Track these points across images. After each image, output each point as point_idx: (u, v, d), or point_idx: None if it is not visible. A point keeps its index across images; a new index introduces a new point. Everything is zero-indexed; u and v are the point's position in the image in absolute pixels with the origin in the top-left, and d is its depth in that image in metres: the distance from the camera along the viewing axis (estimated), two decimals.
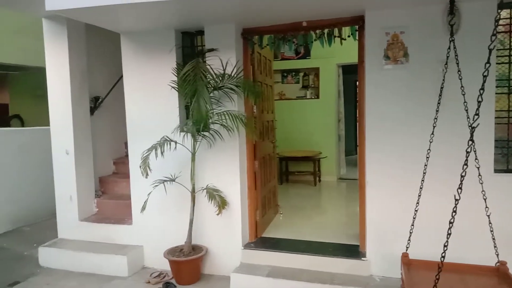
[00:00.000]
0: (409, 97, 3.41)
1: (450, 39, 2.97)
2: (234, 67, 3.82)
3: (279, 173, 7.25)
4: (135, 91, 4.22)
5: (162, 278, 3.95)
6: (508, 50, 3.39)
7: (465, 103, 2.88)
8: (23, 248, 4.97)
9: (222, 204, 3.79)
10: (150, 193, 3.85)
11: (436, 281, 2.13)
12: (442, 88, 3.05)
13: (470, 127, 2.16)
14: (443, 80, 3.05)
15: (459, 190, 2.14)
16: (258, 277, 3.60)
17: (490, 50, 2.09)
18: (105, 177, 5.24)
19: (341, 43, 3.84)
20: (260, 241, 4.21)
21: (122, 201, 4.74)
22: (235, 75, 3.80)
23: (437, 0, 3.18)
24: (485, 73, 2.10)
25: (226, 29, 3.84)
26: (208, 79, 3.71)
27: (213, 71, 3.78)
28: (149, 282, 3.90)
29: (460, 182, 2.15)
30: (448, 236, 2.18)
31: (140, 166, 3.65)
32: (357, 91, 3.86)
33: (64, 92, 4.53)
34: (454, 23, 3.03)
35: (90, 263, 4.20)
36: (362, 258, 3.63)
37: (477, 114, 2.09)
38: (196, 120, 3.57)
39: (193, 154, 3.81)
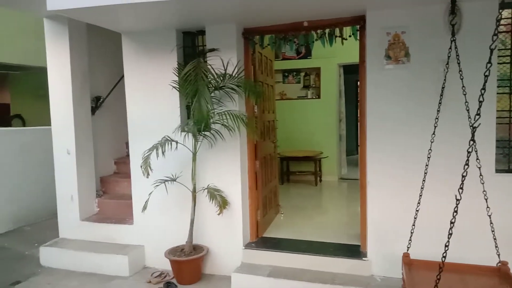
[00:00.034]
0: (410, 97, 3.41)
1: (452, 39, 2.97)
2: (235, 67, 3.82)
3: (280, 173, 7.25)
4: (136, 91, 4.23)
5: (163, 278, 3.95)
6: (509, 50, 3.38)
7: (466, 103, 2.88)
8: (24, 247, 4.98)
9: (223, 204, 3.79)
10: (151, 193, 3.86)
11: (437, 281, 2.13)
12: (443, 88, 3.04)
13: (471, 127, 2.16)
14: (444, 80, 3.05)
15: (460, 190, 2.14)
16: (259, 277, 3.60)
17: (492, 50, 2.09)
18: (106, 177, 5.25)
19: (342, 43, 3.84)
20: (261, 241, 4.21)
21: (123, 201, 4.75)
22: (236, 75, 3.80)
23: (438, 0, 3.17)
24: (487, 73, 2.09)
25: (227, 29, 3.85)
26: (209, 79, 3.71)
27: (214, 71, 3.78)
28: (150, 282, 3.91)
29: (461, 182, 2.14)
30: (449, 236, 2.17)
31: (141, 166, 3.66)
32: (358, 91, 3.85)
33: (66, 92, 4.54)
34: (455, 23, 3.02)
35: (91, 263, 4.21)
36: (363, 258, 3.62)
37: (478, 114, 2.09)
38: (197, 120, 3.57)
39: (194, 154, 3.81)
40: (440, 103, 3.03)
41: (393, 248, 3.40)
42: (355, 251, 3.78)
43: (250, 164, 4.14)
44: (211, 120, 3.70)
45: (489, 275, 2.74)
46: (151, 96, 4.16)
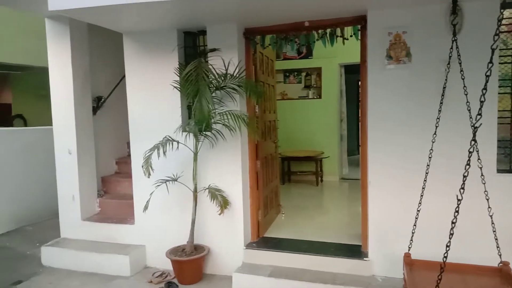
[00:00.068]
0: (411, 97, 3.41)
1: (453, 39, 2.96)
2: (236, 67, 3.82)
3: (281, 173, 7.25)
4: (137, 91, 4.23)
5: (164, 278, 3.95)
6: (510, 50, 3.38)
7: (468, 103, 2.87)
8: (25, 247, 4.99)
9: (224, 204, 3.79)
10: (152, 192, 3.86)
11: (438, 281, 2.13)
12: (444, 88, 3.04)
13: (472, 127, 2.15)
14: (446, 80, 3.04)
15: (462, 190, 2.14)
16: (260, 277, 3.60)
17: (493, 50, 2.08)
18: (107, 177, 5.26)
19: (343, 43, 3.84)
20: (262, 241, 4.21)
21: (124, 200, 4.75)
22: (237, 75, 3.80)
23: (440, 0, 3.17)
24: (488, 73, 2.09)
25: (228, 29, 3.85)
26: (210, 79, 3.71)
27: (215, 71, 3.78)
28: (151, 282, 3.91)
29: (462, 182, 2.14)
30: (451, 236, 2.17)
31: (142, 166, 3.66)
32: (359, 91, 3.85)
33: (67, 92, 4.55)
34: (456, 23, 3.02)
35: (92, 263, 4.21)
36: (364, 258, 3.62)
37: (479, 114, 2.09)
38: (198, 120, 3.57)
39: (195, 154, 3.82)
40: (441, 103, 3.03)
41: (394, 248, 3.40)
42: (356, 251, 3.78)
43: (251, 164, 4.15)
44: (212, 120, 3.70)
45: (490, 276, 2.74)
46: (152, 96, 4.16)
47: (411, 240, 3.02)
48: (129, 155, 4.63)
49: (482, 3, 3.14)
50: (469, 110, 2.88)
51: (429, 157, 3.04)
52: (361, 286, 3.35)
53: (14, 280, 4.05)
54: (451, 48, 2.96)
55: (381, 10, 3.41)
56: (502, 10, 3.13)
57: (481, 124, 2.10)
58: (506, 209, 3.11)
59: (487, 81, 2.10)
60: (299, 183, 7.63)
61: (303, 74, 8.14)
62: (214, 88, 3.78)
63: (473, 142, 2.14)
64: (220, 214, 3.82)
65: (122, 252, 4.17)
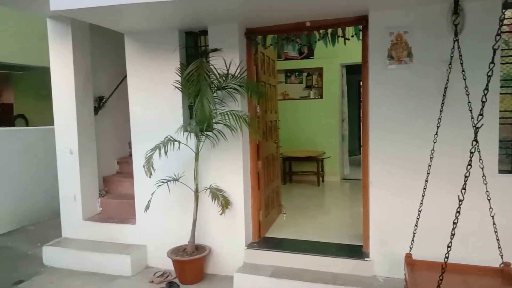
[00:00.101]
0: (412, 97, 3.40)
1: (454, 39, 2.96)
2: (238, 67, 3.82)
3: (283, 173, 7.25)
4: (138, 91, 4.24)
5: (166, 278, 3.96)
6: None
7: (469, 103, 2.87)
8: (27, 247, 5.00)
9: (225, 204, 3.79)
10: (153, 192, 3.87)
11: (440, 281, 2.13)
12: (446, 88, 3.04)
13: (474, 128, 2.15)
14: (447, 80, 3.04)
15: (463, 191, 2.13)
16: (261, 277, 3.60)
17: (495, 50, 2.08)
18: (109, 177, 5.26)
19: (345, 43, 3.84)
20: (263, 241, 4.21)
21: (125, 200, 4.76)
22: (238, 75, 3.80)
23: (441, 0, 3.16)
24: (489, 73, 2.09)
25: (229, 29, 3.85)
26: (212, 79, 3.71)
27: (216, 71, 3.79)
28: (152, 282, 3.91)
29: (464, 182, 2.14)
30: (452, 236, 2.17)
31: (143, 166, 3.66)
32: (361, 91, 3.85)
33: (69, 92, 4.55)
34: (458, 23, 3.01)
35: (94, 263, 4.22)
36: (366, 259, 3.62)
37: (481, 115, 2.08)
38: (199, 120, 3.58)
39: (197, 154, 3.82)
40: (442, 103, 3.03)
41: (396, 249, 3.39)
42: (357, 252, 3.78)
43: (252, 164, 4.15)
44: (214, 120, 3.70)
45: (492, 276, 2.74)
46: (154, 96, 4.17)
47: (413, 240, 3.02)
48: (130, 155, 4.64)
49: (483, 3, 3.13)
50: (470, 111, 2.87)
51: (431, 158, 3.04)
52: (362, 287, 3.35)
53: (16, 279, 4.05)
54: (453, 48, 2.96)
55: (382, 10, 3.41)
56: (503, 10, 3.13)
57: (482, 124, 2.10)
58: (507, 210, 3.10)
59: (488, 81, 2.10)
60: (300, 183, 7.62)
61: (305, 74, 8.14)
62: (216, 88, 3.78)
63: (474, 143, 2.13)
64: (221, 214, 3.83)
65: (123, 252, 4.17)
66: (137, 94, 4.24)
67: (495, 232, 2.68)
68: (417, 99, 3.39)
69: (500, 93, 3.25)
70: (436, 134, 3.03)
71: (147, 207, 3.80)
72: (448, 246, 2.17)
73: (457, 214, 2.16)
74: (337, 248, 3.91)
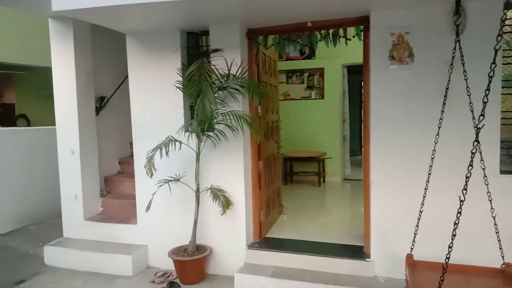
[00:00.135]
0: (414, 97, 3.40)
1: (456, 40, 2.96)
2: (239, 67, 3.82)
3: (284, 174, 7.25)
4: (140, 91, 4.24)
5: (167, 278, 3.96)
6: None
7: (471, 104, 2.87)
8: (28, 247, 5.01)
9: (226, 204, 3.79)
10: (154, 192, 3.87)
11: (441, 282, 2.13)
12: (447, 88, 3.04)
13: (475, 128, 2.15)
14: (448, 80, 3.04)
15: (464, 191, 2.13)
16: (262, 277, 3.60)
17: (496, 51, 2.08)
18: (110, 177, 5.27)
19: (346, 44, 3.84)
20: (264, 241, 4.21)
21: (127, 200, 4.76)
22: (239, 76, 3.80)
23: (443, 0, 3.16)
24: (491, 74, 2.09)
25: (231, 29, 3.85)
26: (213, 79, 3.72)
27: (218, 71, 3.79)
28: (153, 282, 3.92)
29: (465, 183, 2.14)
30: (453, 237, 2.17)
31: (145, 166, 3.67)
32: (362, 91, 3.85)
33: (70, 92, 4.56)
34: (459, 23, 3.01)
35: (95, 262, 4.22)
36: (366, 259, 3.62)
37: (482, 115, 2.08)
38: (200, 120, 3.58)
39: (198, 154, 3.82)
40: (444, 103, 3.03)
41: (397, 249, 3.39)
42: (358, 252, 3.78)
43: (253, 164, 4.15)
44: (215, 121, 3.70)
45: (493, 277, 2.73)
46: (155, 96, 4.17)
47: (414, 241, 3.02)
48: (131, 155, 4.64)
49: (485, 3, 3.13)
50: (472, 111, 2.87)
51: (432, 158, 3.03)
52: (363, 287, 3.35)
53: (17, 279, 4.06)
54: (454, 48, 2.96)
55: (384, 10, 3.41)
56: (505, 11, 3.14)
57: (484, 125, 2.10)
58: (509, 210, 3.10)
59: (490, 82, 2.10)
60: (302, 183, 7.62)
61: (306, 74, 8.14)
62: (217, 88, 3.79)
63: (476, 143, 2.13)
64: (222, 214, 3.83)
65: (124, 252, 4.18)
66: (139, 94, 4.25)
67: (497, 232, 2.67)
68: (418, 99, 3.38)
69: (502, 94, 3.25)
70: (437, 134, 3.03)
71: (148, 207, 3.80)
72: (449, 247, 2.17)
73: (458, 214, 2.16)
74: (338, 249, 3.91)
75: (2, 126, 6.87)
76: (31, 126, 8.26)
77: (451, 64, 2.99)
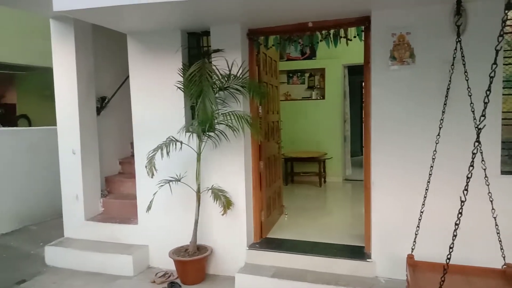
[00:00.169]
0: (414, 98, 3.40)
1: (457, 40, 2.96)
2: (240, 68, 3.82)
3: (284, 174, 7.25)
4: (141, 91, 4.25)
5: (167, 278, 3.96)
6: None
7: (472, 104, 2.87)
8: (29, 247, 5.02)
9: (227, 204, 3.79)
10: (155, 193, 3.87)
11: (442, 283, 2.12)
12: (448, 89, 3.04)
13: (476, 128, 2.15)
14: (449, 81, 3.04)
15: (465, 192, 2.13)
16: (263, 277, 3.60)
17: (497, 51, 2.08)
18: (111, 177, 5.27)
19: (347, 44, 3.84)
20: (265, 241, 4.21)
21: (127, 200, 4.76)
22: (240, 76, 3.81)
23: (444, 1, 3.16)
24: (492, 74, 2.09)
25: (231, 29, 3.85)
26: (214, 80, 3.72)
27: (218, 71, 3.79)
28: (154, 282, 3.92)
29: (466, 183, 2.13)
30: (454, 237, 2.17)
31: (146, 166, 3.67)
32: (363, 91, 3.85)
33: (71, 92, 4.57)
34: (460, 24, 3.01)
35: (95, 263, 4.23)
36: (367, 260, 3.62)
37: (483, 116, 2.08)
38: (201, 121, 3.58)
39: (199, 155, 3.82)
40: (445, 104, 3.03)
41: (398, 250, 3.38)
42: (359, 252, 3.78)
43: (254, 164, 4.15)
44: (216, 121, 3.70)
45: (494, 278, 2.73)
46: (156, 96, 4.17)
47: (414, 241, 3.01)
48: (132, 155, 4.65)
49: (486, 4, 3.13)
50: (473, 111, 2.87)
51: (433, 158, 3.03)
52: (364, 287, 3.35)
53: (18, 279, 4.06)
54: (455, 49, 2.96)
55: (384, 11, 3.41)
56: (506, 11, 3.13)
57: (485, 125, 2.10)
58: (510, 211, 3.09)
59: (491, 82, 2.10)
60: (302, 184, 7.62)
61: (307, 75, 8.14)
62: (218, 88, 3.79)
63: (476, 144, 2.13)
64: (223, 214, 3.83)
65: (125, 252, 4.18)
66: (139, 95, 4.25)
67: (498, 233, 2.67)
68: (419, 99, 3.38)
69: (503, 94, 3.25)
70: (438, 135, 3.03)
71: (149, 207, 3.80)
72: (450, 247, 2.16)
73: (459, 215, 2.16)
74: (338, 249, 3.91)
75: (3, 126, 6.88)
76: (32, 126, 8.27)
77: (452, 65, 2.99)
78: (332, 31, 3.88)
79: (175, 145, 3.75)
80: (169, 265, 4.02)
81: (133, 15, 3.53)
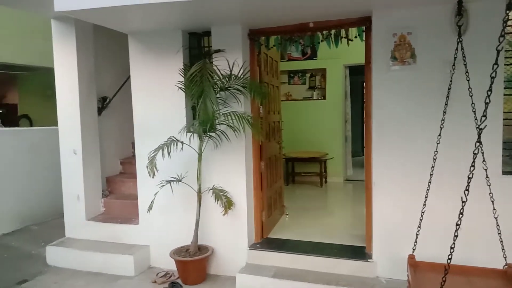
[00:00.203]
0: (415, 98, 3.40)
1: (458, 40, 2.96)
2: (241, 68, 3.83)
3: (285, 174, 7.24)
4: (142, 92, 4.25)
5: (168, 278, 3.96)
6: None
7: (473, 105, 2.86)
8: (31, 247, 5.02)
9: (228, 204, 3.79)
10: (156, 193, 3.87)
11: (443, 283, 2.12)
12: (449, 89, 3.03)
13: (477, 129, 2.15)
14: (451, 81, 3.04)
15: (466, 192, 2.12)
16: (263, 277, 3.61)
17: (498, 51, 2.07)
18: (112, 177, 5.28)
19: (348, 44, 3.84)
20: (266, 241, 4.21)
21: (129, 201, 4.77)
22: (241, 76, 3.81)
23: (445, 1, 3.16)
24: (493, 75, 2.08)
25: (232, 30, 3.86)
26: (215, 80, 3.72)
27: (219, 72, 3.79)
28: (155, 282, 3.92)
29: (467, 184, 2.13)
30: (455, 238, 2.16)
31: (147, 166, 3.67)
32: (364, 92, 3.85)
33: (72, 93, 4.57)
34: (462, 24, 3.01)
35: (97, 263, 4.23)
36: (368, 260, 3.61)
37: (484, 116, 2.08)
38: (202, 121, 3.58)
39: (200, 155, 3.83)
40: (446, 104, 3.02)
41: (399, 250, 3.39)
42: (360, 253, 3.77)
43: (255, 165, 4.15)
44: (217, 121, 3.71)
45: (495, 278, 2.72)
46: (157, 96, 4.18)
47: (416, 241, 3.01)
48: (133, 156, 4.66)
49: (487, 4, 3.13)
50: (474, 112, 2.87)
51: (434, 159, 3.03)
52: None
53: (19, 279, 4.07)
54: (456, 49, 2.96)
55: (386, 11, 3.41)
56: (507, 12, 3.12)
57: (486, 125, 2.10)
58: (511, 211, 3.08)
59: (492, 83, 2.09)
60: (303, 184, 7.62)
61: (308, 75, 8.14)
62: (219, 89, 3.79)
63: (478, 144, 2.13)
64: (224, 214, 3.83)
65: (126, 252, 4.19)
66: (141, 95, 4.26)
67: (499, 233, 2.66)
68: (420, 100, 3.38)
69: (504, 95, 3.24)
70: (439, 135, 3.02)
71: (150, 208, 3.81)
72: (451, 248, 2.16)
73: (460, 215, 2.16)
74: (339, 249, 3.90)
75: (5, 126, 6.90)
76: (33, 127, 8.28)
77: (453, 65, 2.99)
78: (333, 31, 3.88)
79: (176, 145, 3.75)
80: (170, 265, 4.02)
81: (134, 15, 3.53)
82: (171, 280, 3.89)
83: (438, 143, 3.03)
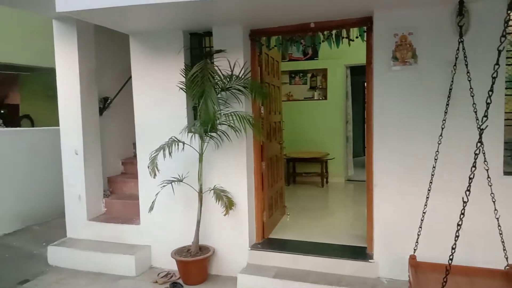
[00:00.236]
0: (417, 98, 3.39)
1: (459, 40, 2.95)
2: (242, 68, 3.83)
3: (286, 174, 7.24)
4: (143, 92, 4.25)
5: (169, 278, 3.97)
6: None
7: (474, 105, 2.86)
8: (32, 246, 5.03)
9: (229, 204, 3.80)
10: (158, 193, 3.87)
11: (444, 283, 2.12)
12: (450, 89, 3.03)
13: (479, 129, 2.14)
14: (452, 81, 3.03)
15: (467, 192, 2.12)
16: (265, 278, 3.61)
17: (500, 51, 2.07)
18: (113, 177, 5.28)
19: (349, 44, 3.84)
20: (267, 242, 4.21)
21: (130, 201, 4.78)
22: (242, 76, 3.81)
23: (446, 1, 3.16)
24: (494, 75, 2.08)
25: (234, 30, 3.86)
26: (216, 80, 3.72)
27: (221, 72, 3.80)
28: (156, 282, 3.92)
29: (468, 184, 2.13)
30: (456, 238, 2.16)
31: (148, 167, 3.68)
32: (365, 92, 3.84)
33: (74, 93, 4.58)
34: (463, 24, 3.01)
35: (98, 263, 4.24)
36: (370, 260, 3.61)
37: (486, 116, 2.08)
38: (203, 121, 3.58)
39: (201, 155, 3.83)
40: (447, 104, 3.02)
41: (400, 250, 3.38)
42: (361, 253, 3.77)
43: (256, 165, 4.15)
44: (218, 121, 3.71)
45: (496, 278, 2.72)
46: (158, 97, 4.18)
47: (417, 242, 3.00)
48: (135, 156, 4.66)
49: (488, 4, 3.12)
50: (475, 112, 2.86)
51: (435, 159, 3.03)
52: None
53: (21, 279, 4.08)
54: (458, 49, 2.95)
55: (387, 11, 3.40)
56: (509, 12, 3.12)
57: (487, 126, 2.09)
58: None
59: (493, 83, 2.09)
60: (304, 184, 7.61)
61: (309, 75, 8.13)
62: (220, 89, 3.79)
63: (479, 144, 2.13)
64: (225, 215, 3.83)
65: (127, 252, 4.19)
66: (142, 95, 4.26)
67: (500, 234, 2.66)
68: (421, 100, 3.38)
69: (505, 95, 3.24)
70: (441, 135, 3.02)
71: (151, 208, 3.81)
72: (452, 248, 2.16)
73: (462, 215, 2.16)
74: (341, 250, 3.91)
75: (6, 126, 6.91)
76: (35, 127, 8.29)
77: (455, 65, 2.99)
78: (334, 32, 3.88)
79: (177, 145, 3.75)
80: (171, 265, 4.02)
81: (135, 16, 3.54)
82: (172, 280, 3.89)
83: (439, 144, 3.03)
